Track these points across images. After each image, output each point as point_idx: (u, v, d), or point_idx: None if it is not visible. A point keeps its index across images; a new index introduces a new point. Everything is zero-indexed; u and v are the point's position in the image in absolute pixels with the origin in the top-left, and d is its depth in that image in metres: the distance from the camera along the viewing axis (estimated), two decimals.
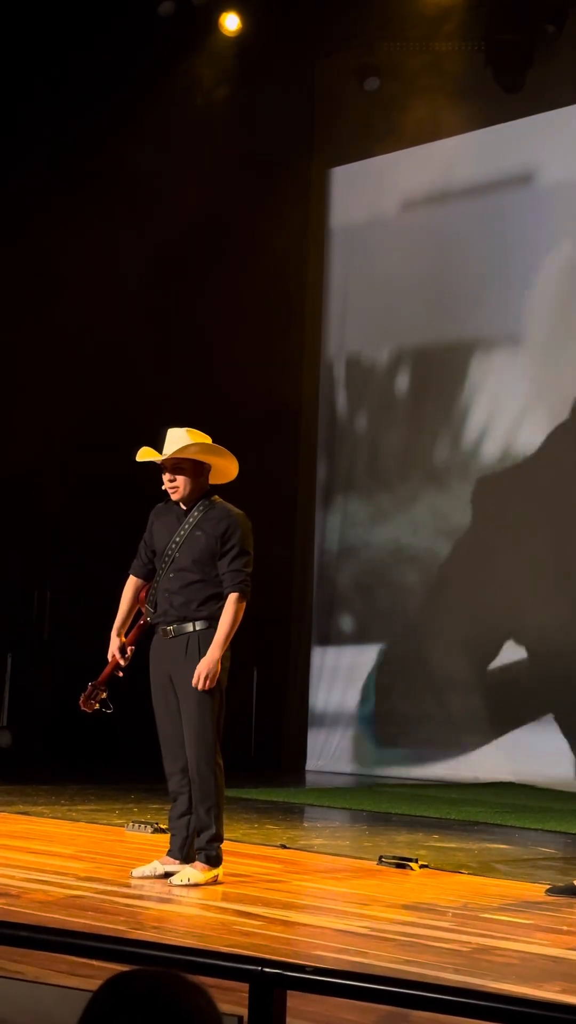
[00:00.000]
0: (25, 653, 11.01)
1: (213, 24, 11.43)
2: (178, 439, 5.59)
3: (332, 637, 12.09)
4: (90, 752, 10.53)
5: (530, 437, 11.13)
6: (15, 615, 11.02)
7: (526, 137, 11.32)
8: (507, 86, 11.11)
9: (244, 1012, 2.50)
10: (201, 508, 5.60)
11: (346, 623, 12.10)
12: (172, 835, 5.61)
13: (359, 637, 11.96)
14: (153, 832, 6.90)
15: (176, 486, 5.58)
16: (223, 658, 5.49)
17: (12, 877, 5.42)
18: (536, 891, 5.52)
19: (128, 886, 5.33)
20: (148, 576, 5.74)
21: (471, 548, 11.35)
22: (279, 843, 6.74)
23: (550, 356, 11.09)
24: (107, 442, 11.24)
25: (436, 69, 11.25)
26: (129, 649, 5.77)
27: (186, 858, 5.51)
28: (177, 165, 11.36)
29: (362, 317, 12.23)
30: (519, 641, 10.89)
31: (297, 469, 12.23)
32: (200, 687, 5.42)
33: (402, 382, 12.03)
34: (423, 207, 11.99)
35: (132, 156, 11.26)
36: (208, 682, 5.41)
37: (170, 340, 11.37)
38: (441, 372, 11.71)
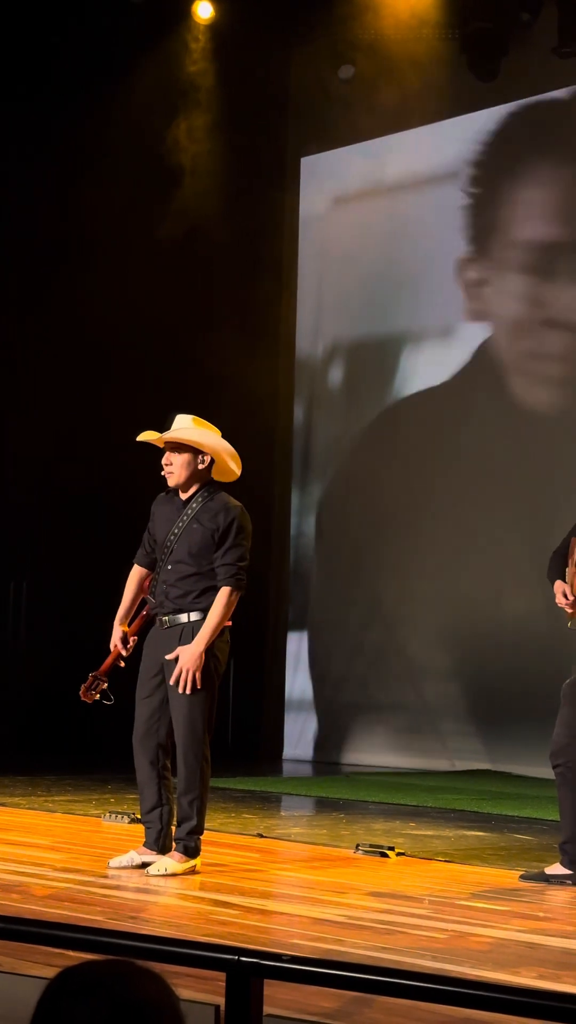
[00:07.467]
0: (2, 644, 10.98)
1: (186, 11, 11.38)
2: (181, 424, 5.60)
3: (308, 623, 12.11)
4: (67, 742, 10.52)
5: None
6: None
7: (498, 128, 11.32)
8: (481, 75, 11.11)
9: (221, 1001, 2.50)
10: (200, 499, 5.55)
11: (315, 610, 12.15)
12: (147, 828, 5.59)
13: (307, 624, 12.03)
14: (130, 822, 6.89)
15: (172, 470, 5.55)
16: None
17: None
18: (512, 878, 5.54)
19: (105, 876, 5.33)
20: (152, 566, 5.68)
21: (435, 537, 11.39)
22: (256, 832, 6.75)
23: (479, 347, 11.18)
24: (86, 436, 11.22)
25: (410, 58, 11.22)
26: (132, 639, 5.72)
27: (162, 849, 5.49)
28: (151, 152, 11.29)
29: (309, 307, 12.27)
30: (495, 628, 10.91)
31: (272, 455, 12.21)
32: (182, 683, 5.35)
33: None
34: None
35: (104, 146, 11.19)
36: (188, 676, 5.35)
37: (146, 331, 11.31)
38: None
